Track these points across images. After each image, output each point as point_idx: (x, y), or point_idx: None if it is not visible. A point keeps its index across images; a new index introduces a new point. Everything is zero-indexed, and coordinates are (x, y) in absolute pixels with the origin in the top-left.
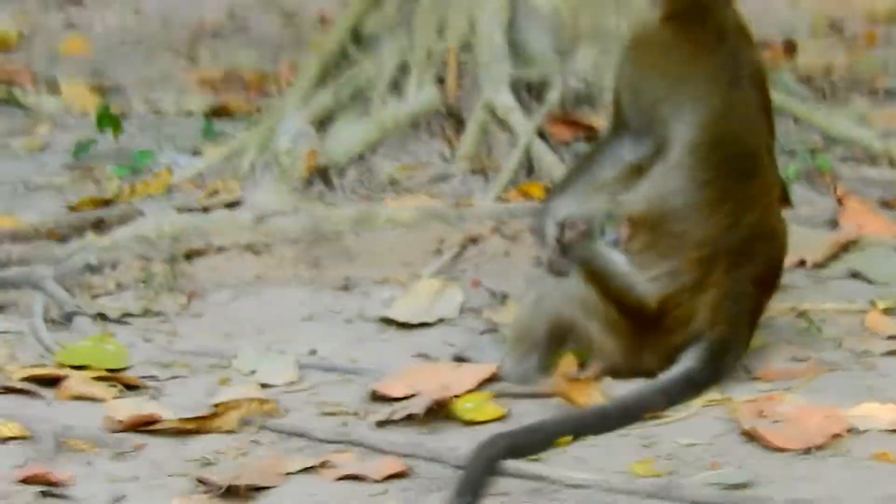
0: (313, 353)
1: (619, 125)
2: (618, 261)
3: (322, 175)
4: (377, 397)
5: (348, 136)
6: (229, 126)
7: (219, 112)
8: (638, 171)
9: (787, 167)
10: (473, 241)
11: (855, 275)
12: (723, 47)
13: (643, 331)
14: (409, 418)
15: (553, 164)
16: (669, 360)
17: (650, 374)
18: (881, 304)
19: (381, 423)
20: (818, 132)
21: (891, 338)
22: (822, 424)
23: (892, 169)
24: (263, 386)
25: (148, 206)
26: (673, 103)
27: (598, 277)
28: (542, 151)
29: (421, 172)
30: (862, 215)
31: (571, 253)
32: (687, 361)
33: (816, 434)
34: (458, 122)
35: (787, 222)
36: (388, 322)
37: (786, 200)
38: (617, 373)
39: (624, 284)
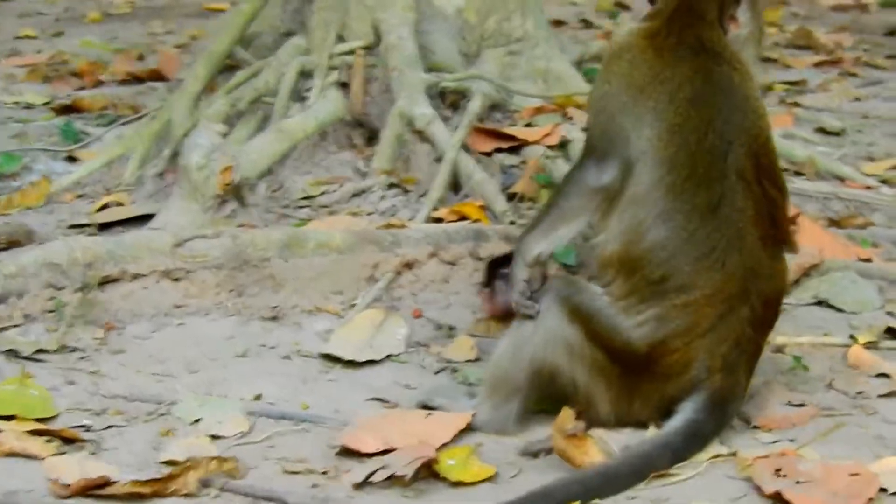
0: (259, 397)
1: (587, 148)
2: (603, 301)
3: (234, 192)
4: (346, 452)
5: (255, 148)
6: (87, 124)
7: (70, 109)
8: (607, 199)
9: None
10: (409, 266)
11: (822, 303)
12: (692, 63)
13: (633, 377)
14: (390, 478)
15: (483, 181)
16: (662, 409)
17: (640, 423)
18: (861, 339)
19: (359, 485)
20: None
21: (880, 376)
22: (851, 485)
23: (826, 181)
24: (212, 437)
25: (31, 220)
26: (633, 116)
27: (584, 318)
28: (469, 167)
29: (336, 187)
30: (818, 237)
31: (550, 294)
32: (688, 412)
33: (849, 497)
34: (369, 133)
35: (785, 260)
36: (331, 359)
37: (789, 241)
38: (605, 422)
39: (610, 326)
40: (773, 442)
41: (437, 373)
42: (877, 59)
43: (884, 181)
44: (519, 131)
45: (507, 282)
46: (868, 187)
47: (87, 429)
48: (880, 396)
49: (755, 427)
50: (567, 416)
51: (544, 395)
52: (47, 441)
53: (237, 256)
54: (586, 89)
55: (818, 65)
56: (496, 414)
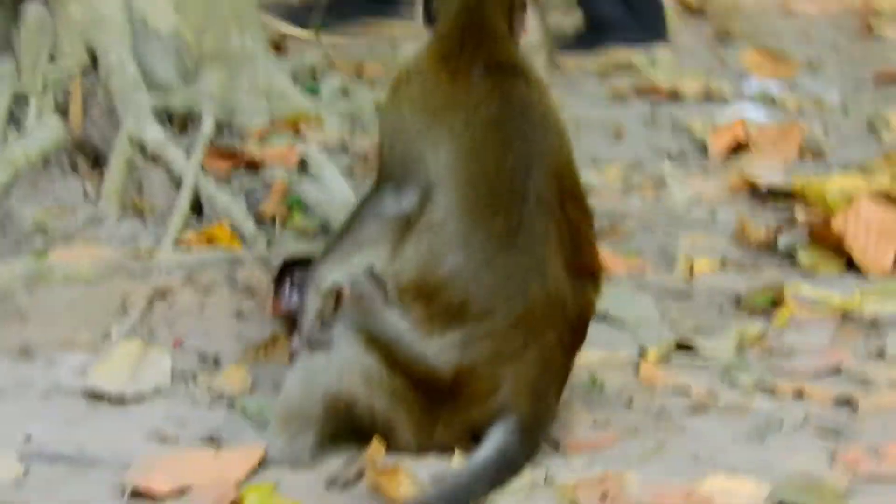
0: (28, 438)
1: (382, 175)
2: (402, 327)
3: None
4: (136, 494)
5: None
6: None
7: None
8: (406, 226)
9: None
10: (162, 295)
11: (603, 317)
12: (487, 83)
13: (436, 404)
14: None
15: (229, 205)
16: (467, 435)
17: (445, 451)
18: (652, 354)
19: None
20: None
21: (676, 392)
22: None
23: None
24: None
25: None
26: (429, 141)
27: (383, 346)
28: (211, 190)
29: (69, 216)
30: None
31: (345, 321)
32: (498, 438)
33: None
34: (95, 157)
35: (592, 286)
36: (96, 395)
37: (595, 268)
38: (406, 450)
39: (412, 352)
40: (587, 466)
41: (210, 405)
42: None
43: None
44: (256, 152)
45: (297, 284)
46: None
47: None
48: (682, 414)
49: (564, 451)
50: (378, 448)
51: (341, 425)
52: None
53: None
54: (311, 106)
55: None
56: (291, 446)
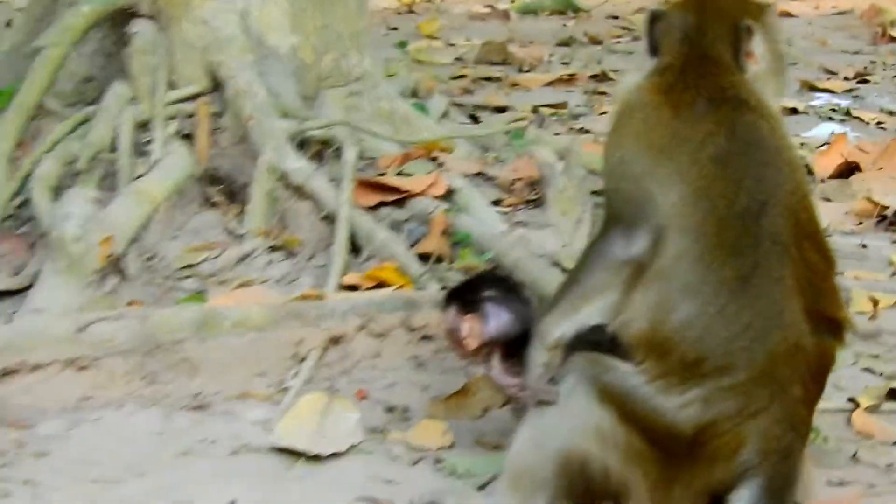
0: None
1: (611, 217)
2: (637, 381)
3: (115, 264)
4: None
5: (116, 214)
6: None
7: None
8: (636, 272)
9: None
10: (335, 341)
11: None
12: (713, 117)
13: (674, 462)
14: None
15: (389, 241)
16: (705, 496)
17: None
18: (863, 402)
19: None
20: None
21: None
22: None
23: None
24: None
25: None
26: (657, 180)
27: (618, 399)
28: (368, 225)
29: (217, 253)
30: None
31: (575, 374)
32: (747, 502)
33: None
34: (228, 189)
35: (840, 332)
36: (287, 453)
37: (838, 316)
38: None
39: (649, 407)
40: None
41: (415, 464)
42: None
43: None
44: (403, 182)
45: (486, 315)
46: None
47: None
48: None
49: None
50: None
51: (573, 485)
52: None
53: (147, 340)
54: (438, 131)
55: (552, 83)
56: None
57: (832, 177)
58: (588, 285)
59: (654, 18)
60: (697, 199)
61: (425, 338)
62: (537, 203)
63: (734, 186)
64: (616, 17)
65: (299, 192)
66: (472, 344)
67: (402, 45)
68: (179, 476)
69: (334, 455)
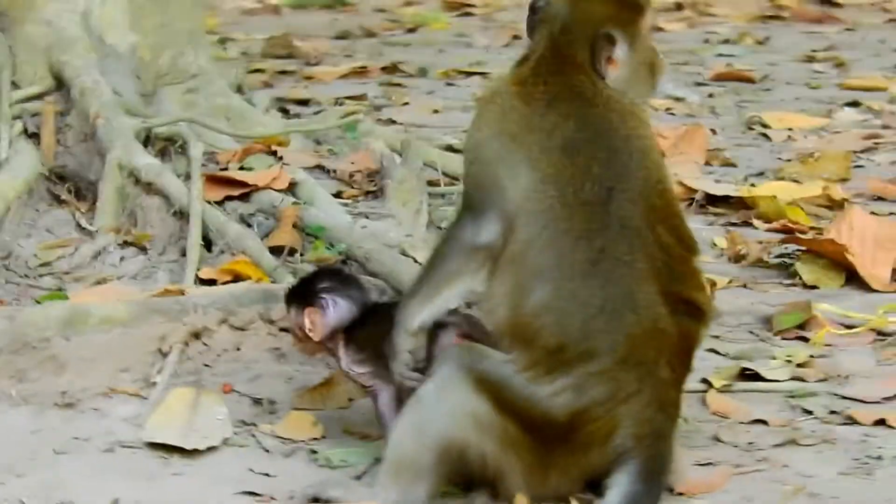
0: (115, 502)
1: (464, 203)
2: (510, 370)
3: None
4: None
5: None
6: None
7: None
8: (490, 259)
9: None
10: (196, 336)
11: None
12: (563, 109)
13: (549, 448)
14: None
15: (242, 235)
16: (580, 481)
17: (560, 499)
18: (716, 383)
19: None
20: None
21: (756, 422)
22: None
23: None
24: None
25: None
26: (508, 167)
27: (493, 388)
28: (220, 220)
29: (71, 250)
30: None
31: (450, 363)
32: (624, 486)
33: None
34: (76, 186)
35: (702, 313)
36: (162, 448)
37: (698, 299)
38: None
39: (524, 396)
40: None
41: (289, 456)
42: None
43: None
44: (247, 176)
45: (328, 297)
46: None
47: None
48: (774, 446)
49: (679, 494)
50: (522, 501)
51: (451, 474)
52: None
53: (16, 338)
54: (272, 125)
55: (346, 76)
56: (405, 499)
57: None
58: (444, 271)
59: (534, 9)
60: (546, 185)
61: (284, 329)
62: (376, 195)
63: (582, 174)
64: (384, 11)
65: (149, 188)
66: (317, 336)
67: (222, 41)
68: (57, 474)
69: (210, 449)
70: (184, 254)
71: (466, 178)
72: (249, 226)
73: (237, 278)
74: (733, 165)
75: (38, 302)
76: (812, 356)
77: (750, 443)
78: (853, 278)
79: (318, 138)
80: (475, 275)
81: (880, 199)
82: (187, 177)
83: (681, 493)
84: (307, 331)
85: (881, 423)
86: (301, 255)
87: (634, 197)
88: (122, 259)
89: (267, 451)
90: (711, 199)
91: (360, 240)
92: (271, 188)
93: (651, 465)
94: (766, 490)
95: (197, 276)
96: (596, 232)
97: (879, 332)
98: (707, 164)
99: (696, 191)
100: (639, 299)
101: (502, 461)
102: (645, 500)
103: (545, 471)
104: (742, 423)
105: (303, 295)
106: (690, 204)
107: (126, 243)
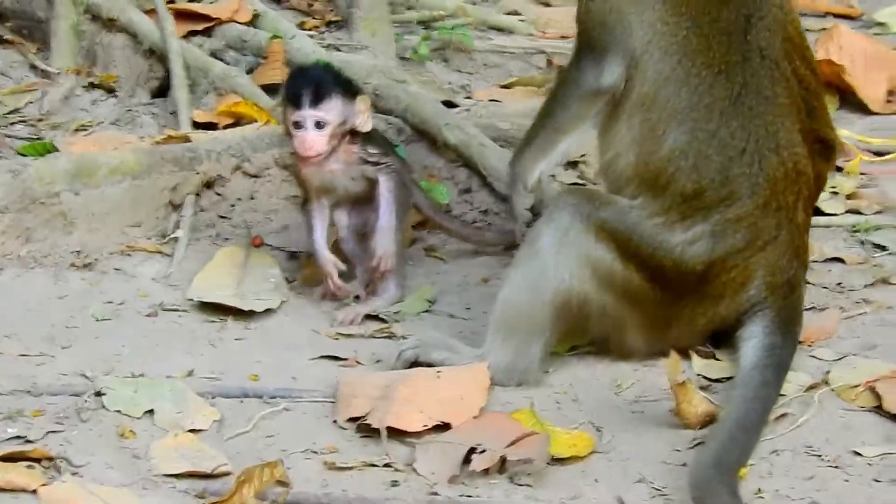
0: (191, 373)
1: (581, 45)
2: (637, 216)
3: None
4: (393, 432)
5: None
6: None
7: None
8: (611, 103)
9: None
10: (209, 185)
11: None
12: None
13: (677, 300)
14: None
15: (229, 74)
16: (706, 333)
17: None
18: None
19: (455, 478)
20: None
21: (832, 260)
22: None
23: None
24: (192, 431)
25: None
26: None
27: (618, 236)
28: (202, 58)
29: (35, 95)
30: None
31: (566, 210)
32: (762, 338)
33: None
34: (21, 24)
35: (831, 153)
36: (213, 310)
37: (828, 136)
38: (633, 352)
39: (655, 244)
40: (839, 358)
41: (366, 318)
42: None
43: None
44: (211, 9)
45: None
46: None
47: (20, 438)
48: (866, 286)
49: (801, 343)
50: (675, 364)
51: (570, 330)
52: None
53: (23, 194)
54: None
55: None
56: (517, 361)
57: None
58: (561, 119)
59: None
60: (678, 16)
61: None
62: (340, 25)
63: (718, 1)
64: None
65: (111, 24)
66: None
67: None
68: (109, 345)
69: (266, 311)
70: (156, 95)
71: (585, 16)
72: (226, 62)
73: (238, 121)
74: None
75: (21, 153)
76: (858, 187)
77: (839, 283)
78: (846, 101)
79: None
80: (595, 121)
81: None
82: (145, 12)
83: (800, 342)
84: (358, 124)
85: None
86: None
87: (772, 25)
88: (93, 103)
89: (323, 311)
90: None
91: (365, 76)
92: (235, 21)
93: (785, 314)
94: (883, 335)
95: (192, 119)
96: (736, 65)
97: None
98: None
99: None
100: (781, 139)
101: (623, 314)
102: (781, 352)
103: (668, 323)
104: (818, 261)
105: (349, 84)
106: None
107: (92, 85)
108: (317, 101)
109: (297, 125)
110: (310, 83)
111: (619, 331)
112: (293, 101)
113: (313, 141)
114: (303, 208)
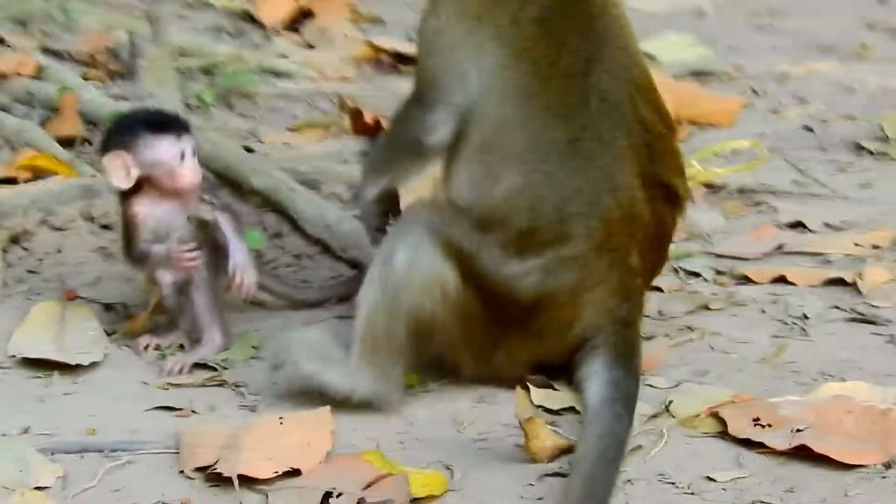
0: (26, 430)
1: (414, 96)
2: (481, 241)
3: None
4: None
5: None
6: None
7: None
8: (453, 145)
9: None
10: (15, 240)
11: None
12: None
13: (505, 330)
14: None
15: (24, 128)
16: (529, 367)
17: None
18: None
19: None
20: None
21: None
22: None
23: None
24: (38, 489)
25: None
26: (471, 47)
27: (462, 255)
28: None
29: None
30: None
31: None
32: (602, 374)
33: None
34: None
35: (679, 197)
36: (38, 366)
37: (675, 184)
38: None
39: (492, 269)
40: (675, 385)
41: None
42: None
43: None
44: None
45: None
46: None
47: None
48: (687, 313)
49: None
50: (524, 399)
51: (421, 350)
52: None
53: None
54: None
55: None
56: (382, 385)
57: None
58: (394, 163)
59: None
60: (518, 60)
61: (105, 227)
62: (123, 75)
63: (557, 45)
64: None
65: None
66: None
67: None
68: None
69: (94, 364)
70: None
71: (421, 71)
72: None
73: (38, 175)
74: None
75: None
76: None
77: (660, 311)
78: None
79: (20, 19)
80: (427, 169)
81: None
82: None
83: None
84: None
85: (781, 279)
86: (90, 144)
87: (614, 68)
88: None
89: (146, 361)
90: None
91: None
92: (19, 74)
93: (622, 349)
94: (711, 359)
95: None
96: (575, 108)
97: (707, 185)
98: None
99: None
100: (618, 181)
101: (456, 337)
102: (626, 384)
103: (492, 353)
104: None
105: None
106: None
107: None
108: (187, 128)
109: (182, 155)
110: (170, 115)
111: (453, 352)
112: (173, 132)
113: (197, 167)
114: (126, 255)
